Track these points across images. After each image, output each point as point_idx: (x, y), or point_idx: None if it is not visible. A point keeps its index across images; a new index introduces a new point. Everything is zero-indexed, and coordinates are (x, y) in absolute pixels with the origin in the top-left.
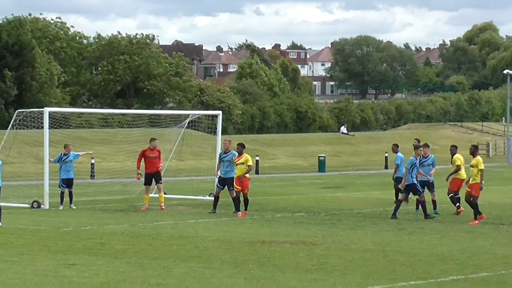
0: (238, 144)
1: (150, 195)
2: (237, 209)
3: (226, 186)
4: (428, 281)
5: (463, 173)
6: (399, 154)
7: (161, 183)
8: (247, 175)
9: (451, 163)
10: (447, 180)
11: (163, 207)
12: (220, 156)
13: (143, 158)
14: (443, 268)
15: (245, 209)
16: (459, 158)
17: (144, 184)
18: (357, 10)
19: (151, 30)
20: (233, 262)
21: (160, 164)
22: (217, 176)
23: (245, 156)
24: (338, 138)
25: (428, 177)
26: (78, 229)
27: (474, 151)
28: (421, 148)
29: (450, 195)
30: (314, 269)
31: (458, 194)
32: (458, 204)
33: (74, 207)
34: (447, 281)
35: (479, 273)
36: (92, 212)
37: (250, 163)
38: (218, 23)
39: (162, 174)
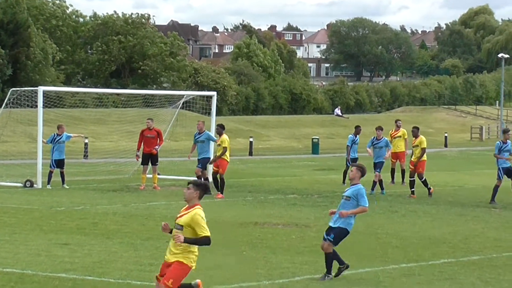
0: (217, 125)
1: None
2: (220, 190)
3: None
4: (419, 263)
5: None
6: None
7: (157, 164)
8: (225, 156)
9: (415, 145)
10: (413, 165)
11: (158, 187)
12: (194, 136)
13: (142, 138)
14: (435, 251)
15: (221, 192)
16: (424, 140)
17: (141, 164)
18: None
19: (147, 10)
20: (226, 243)
21: (156, 147)
22: (189, 158)
23: (222, 137)
24: (332, 120)
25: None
26: (71, 208)
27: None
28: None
29: (412, 179)
30: (306, 251)
31: (413, 177)
32: (413, 189)
33: (67, 187)
34: (439, 264)
35: (470, 256)
36: (85, 192)
37: (225, 144)
38: (213, 3)
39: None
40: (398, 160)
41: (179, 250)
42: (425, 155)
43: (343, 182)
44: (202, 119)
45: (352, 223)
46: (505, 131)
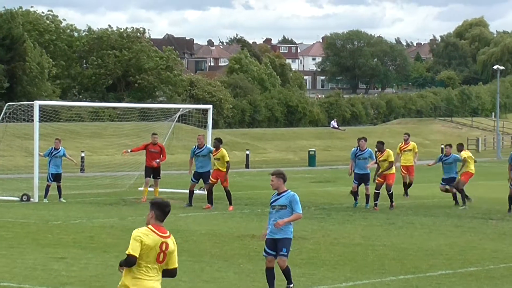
0: (215, 139)
1: (140, 189)
2: (210, 202)
3: (202, 179)
4: (417, 275)
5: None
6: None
7: (159, 178)
8: (224, 168)
9: (382, 159)
10: (378, 176)
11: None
12: (193, 151)
13: (144, 150)
14: (432, 263)
15: (230, 204)
16: (391, 154)
17: (145, 177)
18: (347, 4)
19: (142, 24)
20: (223, 256)
21: (157, 160)
22: (190, 173)
23: (221, 151)
24: (329, 133)
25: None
26: (67, 222)
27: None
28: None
29: (377, 191)
30: (303, 264)
31: (379, 190)
32: (377, 201)
33: (64, 201)
34: (436, 276)
35: (467, 268)
36: (81, 205)
37: (227, 159)
38: (208, 17)
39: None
40: (408, 174)
41: None
42: (393, 168)
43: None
44: (198, 132)
45: (292, 230)
46: None
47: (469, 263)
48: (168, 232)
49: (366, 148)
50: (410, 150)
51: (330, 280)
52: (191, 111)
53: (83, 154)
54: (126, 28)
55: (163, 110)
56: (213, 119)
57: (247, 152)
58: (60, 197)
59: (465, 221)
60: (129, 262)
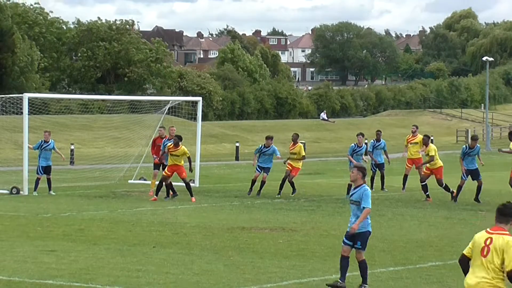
0: (175, 136)
1: (130, 181)
2: (157, 193)
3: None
4: (407, 267)
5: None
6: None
7: (158, 170)
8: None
9: (296, 152)
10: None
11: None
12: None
13: (154, 146)
14: (422, 254)
15: (191, 195)
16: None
17: (153, 169)
18: None
19: (131, 16)
20: (213, 249)
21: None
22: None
23: (181, 148)
24: (318, 125)
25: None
26: (57, 215)
27: (426, 140)
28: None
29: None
30: (293, 255)
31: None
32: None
33: (54, 193)
34: (426, 267)
35: (457, 259)
36: (71, 198)
37: (189, 154)
38: (196, 9)
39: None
40: (414, 165)
41: None
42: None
43: (371, 188)
44: (188, 124)
45: (369, 222)
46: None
47: (459, 254)
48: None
49: (363, 144)
50: (417, 143)
51: (320, 272)
52: (180, 103)
53: (72, 147)
54: (116, 20)
55: (153, 103)
56: (202, 111)
57: (237, 144)
58: (50, 190)
59: (455, 213)
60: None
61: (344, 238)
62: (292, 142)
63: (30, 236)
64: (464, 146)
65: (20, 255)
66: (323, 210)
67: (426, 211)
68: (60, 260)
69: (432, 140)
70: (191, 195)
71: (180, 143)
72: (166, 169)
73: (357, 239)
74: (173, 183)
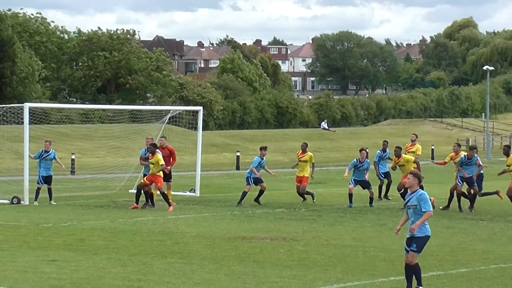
0: (150, 144)
1: (131, 191)
2: (137, 201)
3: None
4: None
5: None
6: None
7: (171, 181)
8: (159, 173)
9: (306, 160)
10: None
11: (173, 203)
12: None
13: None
14: (423, 264)
15: (169, 204)
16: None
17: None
18: (334, 5)
19: (131, 25)
20: (214, 258)
21: (168, 167)
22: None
23: (157, 156)
24: (319, 134)
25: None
26: (58, 225)
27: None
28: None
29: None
30: (294, 265)
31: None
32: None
33: (54, 203)
34: (427, 277)
35: (458, 269)
36: (72, 208)
37: (162, 162)
38: (197, 19)
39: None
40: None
41: None
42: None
43: (379, 197)
44: (188, 134)
45: (428, 227)
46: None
47: (459, 264)
48: None
49: (365, 160)
50: (413, 152)
51: (321, 282)
52: (181, 113)
53: (73, 156)
54: (117, 29)
55: (154, 112)
56: (203, 120)
57: (238, 154)
58: (50, 199)
59: (456, 222)
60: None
61: (405, 247)
62: (301, 151)
63: (31, 246)
64: (462, 156)
65: (21, 265)
66: (324, 219)
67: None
68: (61, 270)
69: (432, 149)
70: (169, 205)
71: (156, 151)
72: (145, 178)
73: (414, 242)
74: (172, 193)
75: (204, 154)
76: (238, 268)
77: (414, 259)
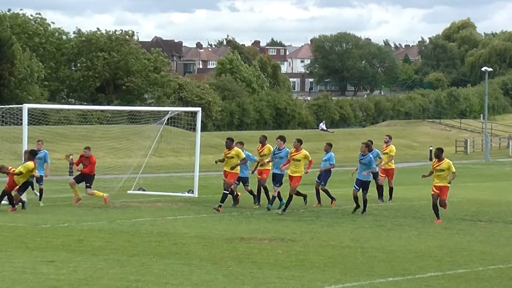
0: (227, 139)
1: (129, 192)
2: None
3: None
4: (406, 277)
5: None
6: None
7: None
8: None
9: (300, 158)
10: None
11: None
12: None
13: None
14: (421, 265)
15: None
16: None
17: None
18: (332, 7)
19: (129, 26)
20: (212, 259)
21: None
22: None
23: (235, 150)
24: (317, 135)
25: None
26: (56, 226)
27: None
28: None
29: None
30: (292, 266)
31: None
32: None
33: (42, 204)
34: (425, 278)
35: (456, 270)
36: (70, 208)
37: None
38: (194, 20)
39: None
40: (387, 177)
41: None
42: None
43: (379, 198)
44: (187, 135)
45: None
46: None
47: (458, 265)
48: None
49: (367, 154)
50: (386, 153)
51: (319, 282)
52: (179, 114)
53: (71, 157)
54: (115, 30)
55: (152, 113)
56: (202, 121)
57: None
58: (40, 199)
59: (454, 223)
60: None
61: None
62: (295, 149)
63: (29, 247)
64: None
65: (19, 265)
66: (322, 220)
67: (425, 221)
68: (59, 271)
69: (430, 150)
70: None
71: (234, 144)
72: (227, 177)
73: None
74: (171, 194)
75: (202, 155)
76: (236, 269)
77: None
